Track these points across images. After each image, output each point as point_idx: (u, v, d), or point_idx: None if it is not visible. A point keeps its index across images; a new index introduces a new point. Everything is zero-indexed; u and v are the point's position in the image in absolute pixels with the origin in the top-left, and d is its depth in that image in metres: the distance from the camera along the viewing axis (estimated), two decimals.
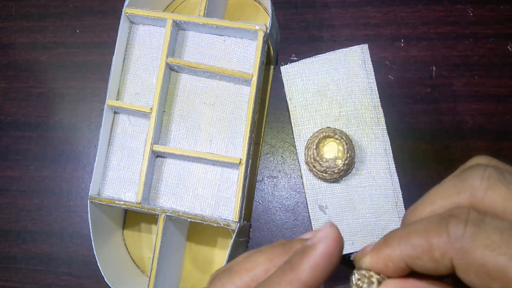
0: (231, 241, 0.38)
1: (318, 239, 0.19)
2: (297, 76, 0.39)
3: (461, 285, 0.18)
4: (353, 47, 0.38)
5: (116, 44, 0.42)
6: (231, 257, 0.39)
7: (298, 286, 0.18)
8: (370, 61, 0.38)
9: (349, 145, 0.36)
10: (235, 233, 0.38)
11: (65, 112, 0.50)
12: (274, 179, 0.47)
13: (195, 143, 0.42)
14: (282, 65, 0.39)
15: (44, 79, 0.51)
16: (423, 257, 0.18)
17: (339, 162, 0.35)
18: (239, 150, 0.42)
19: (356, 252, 0.20)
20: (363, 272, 0.20)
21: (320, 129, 0.37)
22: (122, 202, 0.40)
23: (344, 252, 0.37)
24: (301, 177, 0.38)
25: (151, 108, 0.41)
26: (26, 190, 0.50)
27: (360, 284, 0.20)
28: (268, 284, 0.18)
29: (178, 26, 0.43)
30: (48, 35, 0.52)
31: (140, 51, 0.44)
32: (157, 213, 0.40)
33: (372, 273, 0.20)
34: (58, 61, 0.51)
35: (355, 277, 0.20)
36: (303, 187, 0.39)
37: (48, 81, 0.51)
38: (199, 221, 0.39)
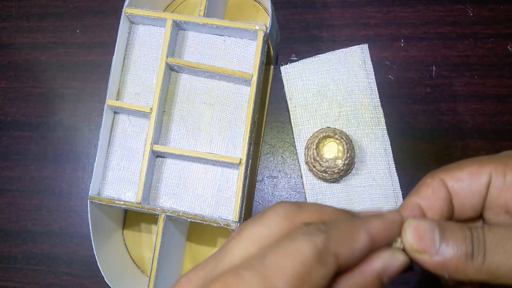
0: None
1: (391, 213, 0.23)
2: (297, 76, 0.39)
3: None
4: (353, 47, 0.38)
5: (116, 44, 0.42)
6: None
7: (366, 233, 0.21)
8: (370, 61, 0.38)
9: (349, 145, 0.36)
10: None
11: (65, 112, 0.50)
12: (274, 179, 0.47)
13: (195, 143, 0.42)
14: (282, 65, 0.39)
15: (44, 79, 0.51)
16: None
17: (339, 162, 0.35)
18: (239, 150, 0.42)
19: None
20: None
21: (320, 129, 0.37)
22: (122, 202, 0.40)
23: None
24: (301, 177, 0.38)
25: (151, 108, 0.41)
26: (26, 190, 0.50)
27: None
28: (346, 223, 0.21)
29: (178, 26, 0.43)
30: (48, 35, 0.52)
31: (140, 51, 0.44)
32: (157, 213, 0.40)
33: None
34: (58, 61, 0.51)
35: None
36: (303, 187, 0.39)
37: (48, 81, 0.51)
38: (199, 221, 0.39)
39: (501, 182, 0.23)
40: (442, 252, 0.21)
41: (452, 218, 0.24)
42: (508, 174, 0.23)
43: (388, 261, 0.22)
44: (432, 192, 0.24)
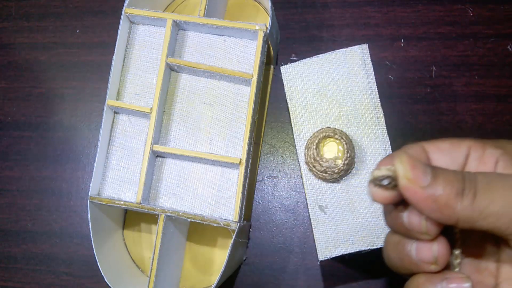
0: (231, 241, 0.38)
1: None
2: (297, 76, 0.39)
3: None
4: (353, 47, 0.38)
5: (116, 44, 0.42)
6: (231, 257, 0.39)
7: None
8: (370, 61, 0.38)
9: (349, 145, 0.36)
10: (235, 233, 0.38)
11: (65, 112, 0.50)
12: (274, 179, 0.47)
13: (195, 143, 0.42)
14: (282, 65, 0.39)
15: (44, 79, 0.51)
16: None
17: (339, 162, 0.35)
18: (239, 150, 0.42)
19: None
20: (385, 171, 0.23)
21: (320, 129, 0.37)
22: (122, 202, 0.40)
23: (344, 252, 0.37)
24: (301, 177, 0.38)
25: (151, 108, 0.41)
26: (26, 190, 0.50)
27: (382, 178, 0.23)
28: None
29: (178, 26, 0.43)
30: (48, 35, 0.52)
31: (140, 51, 0.44)
32: (157, 213, 0.40)
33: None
34: (58, 61, 0.51)
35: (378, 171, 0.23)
36: (303, 187, 0.39)
37: (48, 81, 0.51)
38: (199, 221, 0.39)
39: (480, 154, 0.24)
40: (433, 185, 0.21)
41: None
42: (487, 148, 0.24)
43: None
44: (415, 153, 0.24)
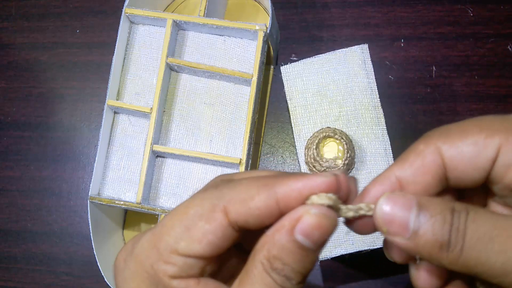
0: None
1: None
2: (297, 76, 0.39)
3: None
4: (353, 47, 0.38)
5: (116, 44, 0.42)
6: None
7: (269, 193, 0.19)
8: (370, 61, 0.38)
9: (349, 145, 0.36)
10: None
11: (65, 112, 0.50)
12: None
13: (195, 143, 0.42)
14: (282, 65, 0.39)
15: (44, 79, 0.51)
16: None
17: (339, 162, 0.35)
18: (239, 150, 0.42)
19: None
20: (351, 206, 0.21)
21: (320, 129, 0.37)
22: (122, 202, 0.40)
23: (344, 252, 0.37)
24: None
25: (151, 108, 0.41)
26: (26, 190, 0.50)
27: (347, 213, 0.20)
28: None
29: (178, 26, 0.43)
30: (48, 35, 0.52)
31: (140, 51, 0.44)
32: (157, 213, 0.40)
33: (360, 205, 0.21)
34: (58, 61, 0.51)
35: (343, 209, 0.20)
36: None
37: (48, 81, 0.51)
38: None
39: (510, 158, 0.19)
40: (414, 238, 0.18)
41: (444, 189, 0.21)
42: None
43: (295, 216, 0.19)
44: (422, 163, 0.20)
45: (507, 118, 0.20)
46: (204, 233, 0.19)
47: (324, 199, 0.19)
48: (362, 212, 0.20)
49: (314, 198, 0.19)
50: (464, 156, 0.20)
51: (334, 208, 0.19)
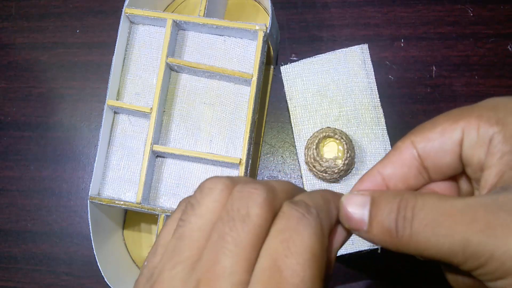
0: None
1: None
2: (297, 76, 0.39)
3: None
4: (353, 47, 0.38)
5: (116, 44, 0.42)
6: None
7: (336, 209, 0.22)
8: (370, 61, 0.38)
9: (349, 145, 0.36)
10: None
11: (65, 112, 0.50)
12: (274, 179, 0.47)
13: (195, 143, 0.42)
14: (282, 65, 0.39)
15: (44, 79, 0.51)
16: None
17: (339, 162, 0.35)
18: (239, 150, 0.42)
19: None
20: None
21: (320, 129, 0.37)
22: (122, 202, 0.40)
23: (344, 252, 0.37)
24: (301, 177, 0.38)
25: (151, 108, 0.41)
26: (26, 190, 0.50)
27: None
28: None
29: (178, 26, 0.43)
30: (48, 35, 0.52)
31: (140, 51, 0.44)
32: (157, 213, 0.40)
33: None
34: (58, 61, 0.51)
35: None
36: (303, 187, 0.39)
37: (48, 81, 0.51)
38: None
39: (474, 137, 0.21)
40: (370, 230, 0.21)
41: (429, 179, 0.23)
42: (481, 127, 0.21)
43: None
44: (399, 158, 0.23)
45: (473, 106, 0.22)
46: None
47: None
48: None
49: None
50: (434, 144, 0.22)
51: None
